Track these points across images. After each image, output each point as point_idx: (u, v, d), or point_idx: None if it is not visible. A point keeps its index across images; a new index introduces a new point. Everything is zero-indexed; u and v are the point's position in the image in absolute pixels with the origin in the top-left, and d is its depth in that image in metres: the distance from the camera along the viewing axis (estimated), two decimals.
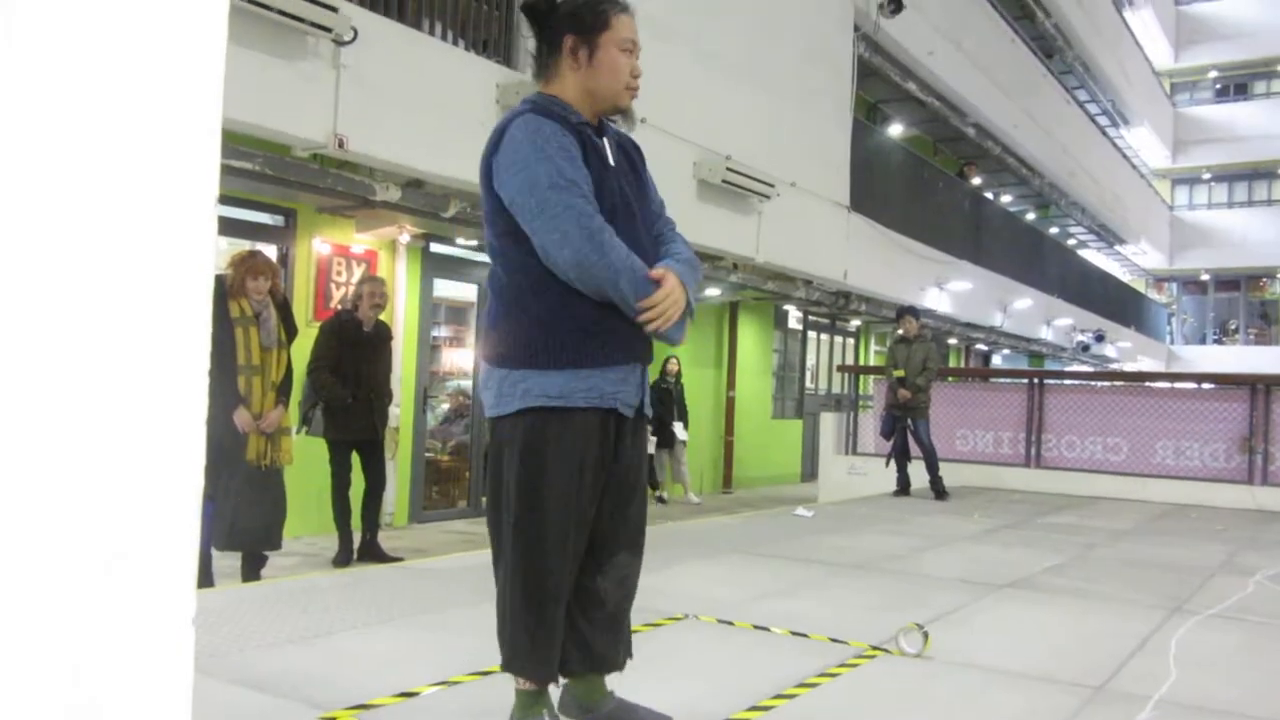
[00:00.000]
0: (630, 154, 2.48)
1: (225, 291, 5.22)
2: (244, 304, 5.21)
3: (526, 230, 2.20)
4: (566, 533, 2.26)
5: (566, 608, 2.32)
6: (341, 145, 6.27)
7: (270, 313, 5.30)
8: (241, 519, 5.03)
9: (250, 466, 5.10)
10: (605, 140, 2.39)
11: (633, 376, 2.33)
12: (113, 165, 1.24)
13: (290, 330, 5.42)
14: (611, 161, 2.37)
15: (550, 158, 2.19)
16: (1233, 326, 32.87)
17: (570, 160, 2.22)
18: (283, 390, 5.29)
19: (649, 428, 9.56)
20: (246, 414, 5.08)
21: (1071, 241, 27.22)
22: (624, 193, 2.36)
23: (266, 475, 5.19)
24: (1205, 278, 33.12)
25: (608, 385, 2.27)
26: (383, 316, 6.66)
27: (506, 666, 2.34)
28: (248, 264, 5.31)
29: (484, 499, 2.45)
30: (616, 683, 2.49)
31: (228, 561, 6.45)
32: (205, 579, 5.09)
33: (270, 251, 7.91)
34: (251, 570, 5.29)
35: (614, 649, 2.42)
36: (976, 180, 18.95)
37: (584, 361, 2.24)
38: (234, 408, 5.06)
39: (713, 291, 12.19)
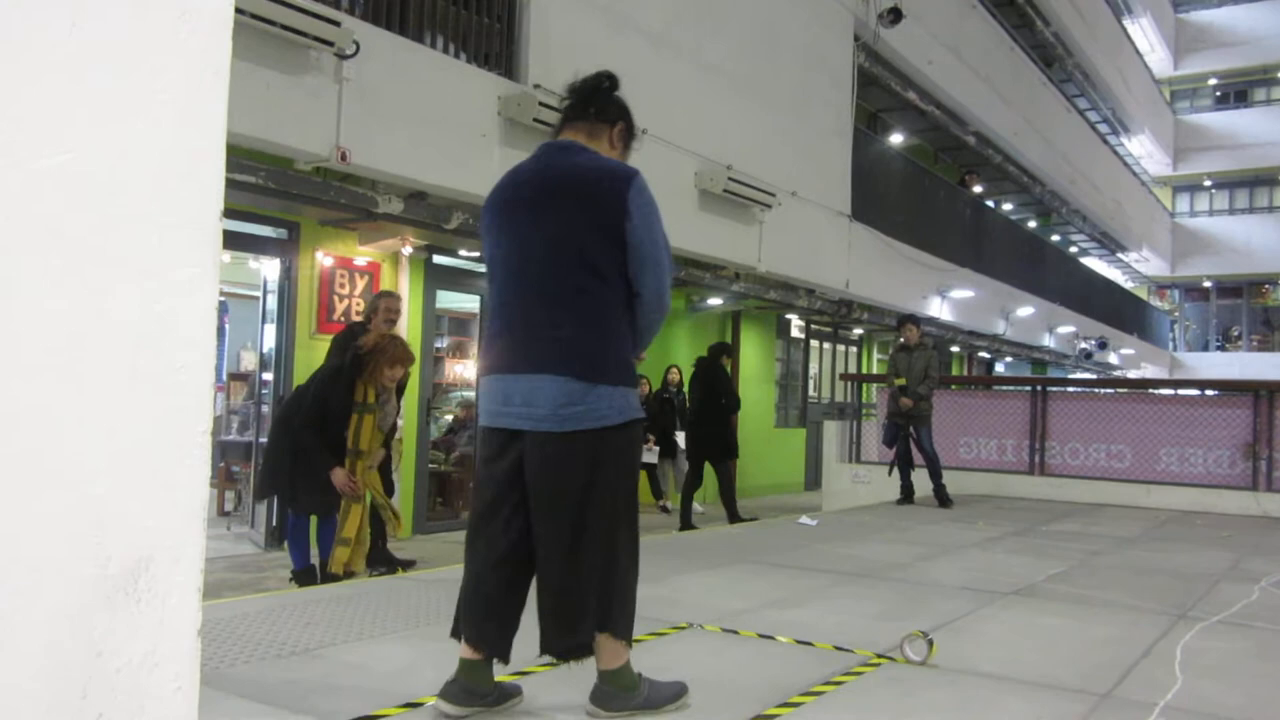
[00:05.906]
0: None
1: (356, 367, 5.05)
2: (370, 391, 5.09)
3: (639, 270, 2.61)
4: None
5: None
6: (344, 158, 6.29)
7: (391, 397, 5.28)
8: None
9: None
10: None
11: None
12: (121, 182, 1.25)
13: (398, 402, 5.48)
14: None
15: (661, 220, 2.69)
16: (1235, 333, 32.85)
17: None
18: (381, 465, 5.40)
19: (651, 437, 9.42)
20: (343, 474, 5.06)
21: (1073, 249, 27.24)
22: None
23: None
24: (1207, 285, 33.11)
25: None
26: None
27: (627, 637, 2.64)
28: (389, 353, 5.08)
29: (548, 506, 2.64)
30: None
31: (231, 576, 6.45)
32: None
33: (273, 265, 7.93)
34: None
35: None
36: (977, 188, 18.97)
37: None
38: (329, 470, 5.06)
39: (715, 301, 12.19)
